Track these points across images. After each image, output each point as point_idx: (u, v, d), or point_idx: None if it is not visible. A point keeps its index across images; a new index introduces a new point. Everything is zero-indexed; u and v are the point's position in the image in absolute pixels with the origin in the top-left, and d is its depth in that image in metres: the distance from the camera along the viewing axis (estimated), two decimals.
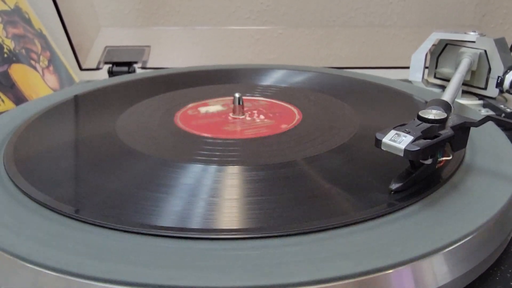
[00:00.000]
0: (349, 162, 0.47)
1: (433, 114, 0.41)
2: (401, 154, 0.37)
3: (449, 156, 0.43)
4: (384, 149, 0.39)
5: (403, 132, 0.39)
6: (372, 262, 0.32)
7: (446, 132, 0.40)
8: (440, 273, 0.33)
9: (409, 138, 0.38)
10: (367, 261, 0.32)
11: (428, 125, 0.40)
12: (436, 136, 0.39)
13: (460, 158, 0.46)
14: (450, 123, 0.41)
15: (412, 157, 0.38)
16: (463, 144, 0.43)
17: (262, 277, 0.31)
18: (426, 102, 0.50)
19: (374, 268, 0.31)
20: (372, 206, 0.38)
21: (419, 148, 0.37)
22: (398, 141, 0.38)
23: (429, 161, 0.40)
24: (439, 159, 0.42)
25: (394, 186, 0.40)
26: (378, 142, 0.39)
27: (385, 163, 0.44)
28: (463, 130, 0.42)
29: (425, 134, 0.39)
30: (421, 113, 0.42)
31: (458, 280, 0.34)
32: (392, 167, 0.42)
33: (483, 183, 0.42)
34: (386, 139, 0.39)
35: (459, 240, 0.34)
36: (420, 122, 0.41)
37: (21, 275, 0.33)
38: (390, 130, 0.39)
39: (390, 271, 0.32)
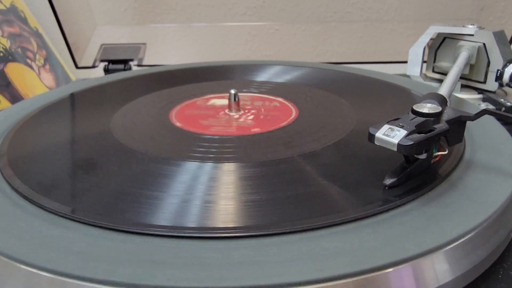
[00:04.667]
0: (347, 158, 0.46)
1: (427, 108, 0.41)
2: (395, 149, 0.37)
3: (445, 151, 0.42)
4: (378, 144, 0.38)
5: (396, 126, 0.38)
6: (371, 261, 0.31)
7: (441, 126, 0.39)
8: (441, 271, 0.33)
9: (403, 132, 0.37)
10: (366, 260, 0.31)
11: (422, 119, 0.39)
12: (430, 131, 0.39)
13: (460, 154, 0.45)
14: (445, 117, 0.41)
15: (405, 152, 0.37)
16: (459, 139, 0.42)
17: (259, 277, 0.30)
18: None
19: (374, 266, 0.31)
20: (370, 203, 0.37)
21: (412, 142, 0.36)
22: (391, 135, 0.37)
23: (423, 156, 0.40)
24: (434, 154, 0.41)
25: (388, 181, 0.39)
26: (371, 137, 0.39)
27: (384, 158, 0.43)
28: (459, 124, 0.41)
29: (419, 129, 0.38)
30: (415, 107, 0.41)
31: (459, 279, 0.34)
32: (391, 162, 0.41)
33: (484, 179, 0.42)
34: (379, 134, 0.38)
35: (460, 237, 0.34)
36: (414, 116, 0.40)
37: (16, 277, 0.32)
38: (384, 125, 0.39)
39: (390, 269, 0.31)
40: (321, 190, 0.40)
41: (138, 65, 0.96)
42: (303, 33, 1.06)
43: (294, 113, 0.59)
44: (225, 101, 0.62)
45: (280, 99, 0.64)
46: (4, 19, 0.92)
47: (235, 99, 0.60)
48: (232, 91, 0.60)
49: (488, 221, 0.36)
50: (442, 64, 0.79)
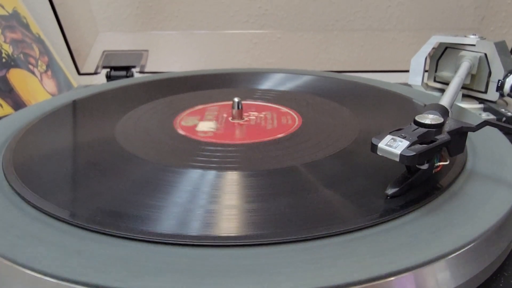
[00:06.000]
0: (350, 168, 0.46)
1: (429, 118, 0.41)
2: (397, 159, 0.37)
3: (446, 161, 0.42)
4: (380, 154, 0.39)
5: (399, 137, 0.38)
6: (373, 269, 0.31)
7: (443, 137, 0.40)
8: (443, 280, 0.33)
9: (405, 143, 0.38)
10: (368, 268, 0.31)
11: (425, 130, 0.40)
12: (432, 141, 0.39)
13: (462, 164, 0.46)
14: (447, 127, 0.41)
15: (408, 162, 0.37)
16: (461, 149, 0.43)
17: (261, 285, 0.30)
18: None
19: (376, 275, 0.31)
20: (373, 213, 0.37)
21: (414, 153, 0.37)
22: (394, 146, 0.38)
23: (425, 166, 0.40)
24: (436, 164, 0.42)
25: (390, 191, 0.39)
26: (374, 147, 0.39)
27: (387, 168, 0.43)
28: (460, 134, 0.41)
29: (421, 139, 0.39)
30: (417, 118, 0.41)
31: (461, 287, 0.34)
32: (394, 172, 0.42)
33: (485, 189, 0.42)
34: (382, 144, 0.38)
35: (462, 246, 0.34)
36: (417, 126, 0.40)
37: (20, 282, 0.32)
38: (386, 135, 0.39)
39: (392, 278, 0.31)
40: (323, 200, 0.40)
41: (140, 72, 0.97)
42: (305, 41, 1.06)
43: (297, 121, 0.59)
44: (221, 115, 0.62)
45: (283, 107, 0.64)
46: (6, 25, 0.93)
47: (238, 107, 0.60)
48: (236, 99, 0.60)
49: (489, 231, 0.36)
50: (444, 73, 0.79)
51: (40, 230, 0.37)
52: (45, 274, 0.32)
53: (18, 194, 0.42)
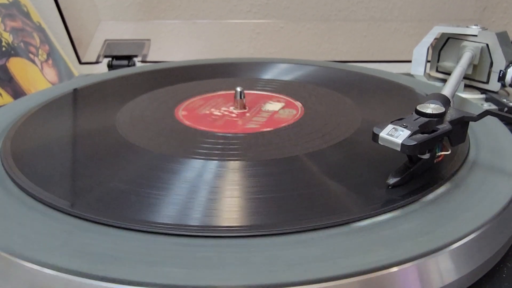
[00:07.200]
0: (352, 158, 0.46)
1: (431, 108, 0.41)
2: (398, 149, 0.37)
3: (448, 151, 0.42)
4: (381, 144, 0.39)
5: (400, 126, 0.38)
6: (377, 260, 0.31)
7: (444, 126, 0.40)
8: (446, 271, 0.33)
9: (407, 132, 0.38)
10: (371, 259, 0.31)
11: (426, 119, 0.40)
12: (433, 131, 0.39)
13: (464, 155, 0.45)
14: (448, 117, 0.41)
15: (409, 152, 0.37)
16: (462, 139, 0.43)
17: (263, 276, 0.30)
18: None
19: (379, 266, 0.31)
20: (375, 203, 0.37)
21: (416, 142, 0.37)
22: (395, 135, 0.38)
23: (426, 156, 0.40)
24: (437, 154, 0.42)
25: (391, 180, 0.39)
26: (375, 137, 0.39)
27: (389, 158, 0.43)
28: (461, 124, 0.41)
29: (422, 129, 0.39)
30: (419, 107, 0.41)
31: (464, 278, 0.34)
32: (395, 162, 0.41)
33: (488, 180, 0.42)
34: (383, 134, 0.38)
35: (465, 237, 0.34)
36: (418, 116, 0.41)
37: (18, 274, 0.32)
38: (388, 124, 0.39)
39: (395, 269, 0.31)
40: (325, 190, 0.40)
41: (142, 61, 0.96)
42: (307, 31, 1.06)
43: (299, 111, 0.59)
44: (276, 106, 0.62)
45: (285, 97, 0.64)
46: (6, 13, 0.92)
47: (240, 97, 0.60)
48: (238, 89, 0.60)
49: (492, 221, 0.36)
50: (446, 64, 0.79)
51: (38, 220, 0.37)
52: (44, 265, 0.32)
53: (17, 184, 0.42)
